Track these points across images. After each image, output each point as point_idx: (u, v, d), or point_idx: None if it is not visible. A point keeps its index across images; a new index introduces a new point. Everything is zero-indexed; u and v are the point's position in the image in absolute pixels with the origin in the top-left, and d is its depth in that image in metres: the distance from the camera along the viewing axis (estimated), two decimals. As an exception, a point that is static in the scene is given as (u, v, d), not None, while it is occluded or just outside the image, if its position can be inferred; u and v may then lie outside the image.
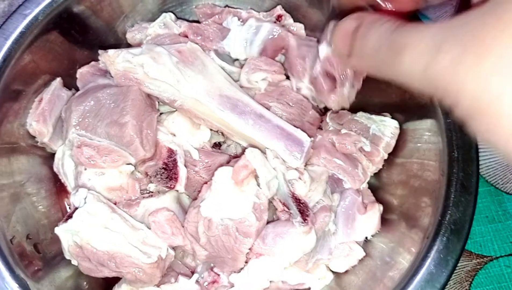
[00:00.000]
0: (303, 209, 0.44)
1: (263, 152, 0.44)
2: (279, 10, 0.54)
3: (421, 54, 0.25)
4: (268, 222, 0.45)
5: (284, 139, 0.45)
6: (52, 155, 0.50)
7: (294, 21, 0.55)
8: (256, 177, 0.43)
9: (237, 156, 0.48)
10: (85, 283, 0.47)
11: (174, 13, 0.54)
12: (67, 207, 0.50)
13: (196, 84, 0.45)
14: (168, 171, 0.44)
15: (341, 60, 0.42)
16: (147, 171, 0.45)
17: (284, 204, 0.44)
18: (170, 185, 0.44)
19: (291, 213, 0.44)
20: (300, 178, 0.45)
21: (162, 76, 0.45)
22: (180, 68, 0.45)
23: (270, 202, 0.45)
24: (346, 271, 0.49)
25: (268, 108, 0.47)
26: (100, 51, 0.47)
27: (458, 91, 0.22)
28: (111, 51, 0.45)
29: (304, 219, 0.43)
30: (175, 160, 0.44)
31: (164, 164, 0.44)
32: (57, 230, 0.42)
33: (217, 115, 0.45)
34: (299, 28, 0.54)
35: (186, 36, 0.51)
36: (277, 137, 0.45)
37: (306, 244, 0.44)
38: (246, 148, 0.46)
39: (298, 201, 0.44)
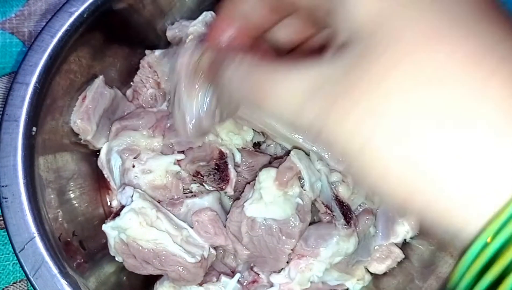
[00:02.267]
0: (346, 212, 0.44)
1: (307, 154, 0.44)
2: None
3: (288, 105, 0.24)
4: (310, 223, 0.45)
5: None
6: (93, 153, 0.50)
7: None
8: (300, 178, 0.43)
9: (278, 157, 0.48)
10: (125, 279, 0.48)
11: (213, 11, 0.54)
12: (109, 203, 0.51)
13: None
14: (220, 173, 0.44)
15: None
16: (199, 170, 0.45)
17: (327, 206, 0.44)
18: (222, 187, 0.44)
19: (334, 215, 0.44)
20: (343, 181, 0.45)
21: None
22: None
23: (313, 203, 0.45)
24: (385, 273, 0.49)
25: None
26: (147, 51, 0.47)
27: (328, 140, 0.23)
28: (158, 52, 0.46)
29: (348, 222, 0.44)
30: (226, 162, 0.44)
31: (216, 165, 0.44)
32: (105, 227, 0.42)
33: (262, 116, 0.45)
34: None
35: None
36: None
37: (348, 246, 0.44)
38: (289, 149, 0.46)
39: (341, 203, 0.44)
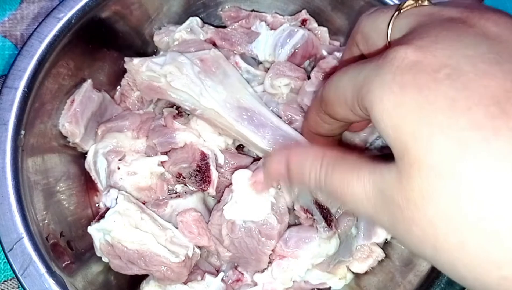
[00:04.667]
0: (326, 215, 0.45)
1: None
2: (304, 14, 0.55)
3: (364, 206, 0.27)
4: (291, 226, 0.46)
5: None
6: (82, 155, 0.51)
7: (318, 25, 0.55)
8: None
9: (257, 159, 0.49)
10: (113, 278, 0.49)
11: (200, 17, 0.55)
12: (96, 204, 0.52)
13: (215, 95, 0.46)
14: (201, 174, 0.45)
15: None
16: (181, 172, 0.46)
17: (307, 211, 0.45)
18: (204, 188, 0.45)
19: (315, 219, 0.45)
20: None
21: (184, 87, 0.46)
22: (201, 78, 0.46)
23: (294, 209, 0.46)
24: (366, 272, 0.51)
25: (292, 121, 0.48)
26: (126, 59, 0.48)
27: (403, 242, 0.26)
28: (136, 60, 0.47)
29: (328, 225, 0.45)
30: (207, 163, 0.45)
31: (198, 166, 0.45)
32: (90, 229, 0.43)
33: (235, 127, 0.46)
34: (323, 32, 0.55)
35: (214, 43, 0.52)
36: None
37: (330, 248, 0.45)
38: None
39: (321, 207, 0.45)
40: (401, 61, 0.25)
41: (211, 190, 0.46)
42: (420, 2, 0.30)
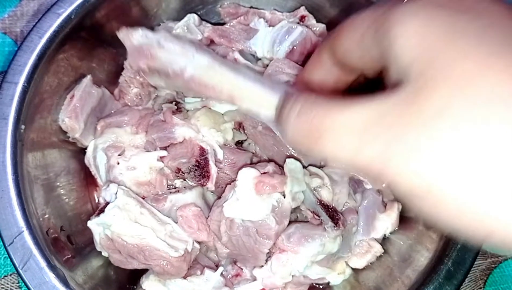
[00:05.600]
0: (333, 214, 0.45)
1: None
2: (302, 11, 0.55)
3: (344, 143, 0.24)
4: (298, 221, 0.47)
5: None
6: (82, 150, 0.52)
7: (316, 21, 0.56)
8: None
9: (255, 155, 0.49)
10: (113, 272, 0.49)
11: (198, 14, 0.55)
12: (96, 199, 0.52)
13: (207, 54, 0.43)
14: (200, 169, 0.46)
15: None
16: (180, 167, 0.46)
17: (313, 212, 0.46)
18: (203, 183, 0.46)
19: (322, 219, 0.45)
20: (324, 184, 0.46)
21: (176, 46, 0.43)
22: (195, 46, 0.43)
23: (300, 209, 0.46)
24: (365, 267, 0.51)
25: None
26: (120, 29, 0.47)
27: (392, 180, 0.23)
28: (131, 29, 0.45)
29: (336, 223, 0.45)
30: (206, 158, 0.45)
31: (197, 161, 0.46)
32: (90, 224, 0.44)
33: (231, 76, 0.41)
34: (321, 28, 0.55)
35: (212, 40, 0.52)
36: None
37: (333, 247, 0.46)
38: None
39: (326, 207, 0.46)
40: None
41: (210, 185, 0.46)
42: None
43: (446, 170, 0.21)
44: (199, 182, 0.46)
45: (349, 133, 0.24)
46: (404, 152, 0.22)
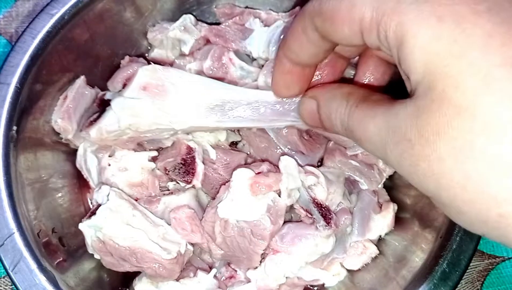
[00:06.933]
0: (325, 213, 0.45)
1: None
2: (298, 11, 0.54)
3: (375, 144, 0.28)
4: (291, 221, 0.46)
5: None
6: (75, 151, 0.51)
7: (312, 21, 0.55)
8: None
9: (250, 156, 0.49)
10: (105, 275, 0.49)
11: (193, 14, 0.55)
12: (89, 201, 0.52)
13: (181, 114, 0.42)
14: (186, 166, 0.45)
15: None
16: (166, 166, 0.46)
17: (306, 210, 0.45)
18: (187, 180, 0.45)
19: (314, 218, 0.45)
20: (318, 183, 0.46)
21: (152, 126, 0.43)
22: (158, 107, 0.42)
23: (293, 208, 0.46)
24: (360, 268, 0.50)
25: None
26: (83, 134, 0.46)
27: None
28: (92, 132, 0.44)
29: (328, 223, 0.44)
30: (193, 156, 0.45)
31: (183, 160, 0.45)
32: (81, 226, 0.43)
33: (222, 127, 0.44)
34: (317, 28, 0.55)
35: (208, 40, 0.52)
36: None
37: (326, 246, 0.45)
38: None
39: (319, 206, 0.45)
40: None
41: (196, 181, 0.46)
42: None
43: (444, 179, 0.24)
44: (184, 179, 0.45)
45: (376, 133, 0.28)
46: (415, 157, 0.25)
